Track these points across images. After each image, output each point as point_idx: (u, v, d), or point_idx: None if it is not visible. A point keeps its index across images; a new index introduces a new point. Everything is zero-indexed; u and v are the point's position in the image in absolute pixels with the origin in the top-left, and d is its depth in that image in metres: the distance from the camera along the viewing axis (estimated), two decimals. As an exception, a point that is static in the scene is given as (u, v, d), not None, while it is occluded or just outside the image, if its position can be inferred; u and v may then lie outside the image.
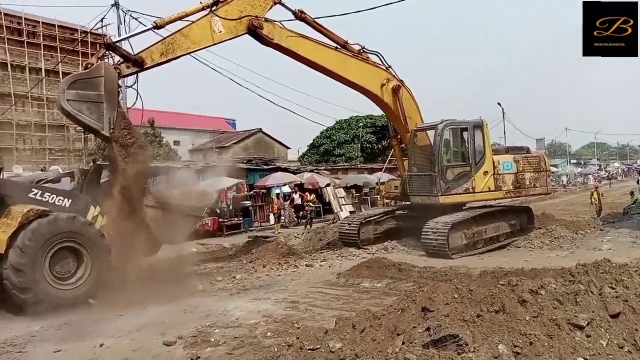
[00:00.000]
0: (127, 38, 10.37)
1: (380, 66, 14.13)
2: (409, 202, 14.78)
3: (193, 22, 10.91)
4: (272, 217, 23.57)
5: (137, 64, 10.11)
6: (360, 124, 45.31)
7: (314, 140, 48.83)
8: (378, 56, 14.18)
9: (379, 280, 9.59)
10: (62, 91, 9.32)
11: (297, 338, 5.02)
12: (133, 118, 12.71)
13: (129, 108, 16.93)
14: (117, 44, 10.42)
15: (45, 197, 9.13)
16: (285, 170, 29.71)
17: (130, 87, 15.70)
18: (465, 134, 13.75)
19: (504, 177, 13.89)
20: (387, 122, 35.59)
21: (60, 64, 35.58)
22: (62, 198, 9.32)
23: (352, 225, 14.37)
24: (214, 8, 11.11)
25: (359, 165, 38.35)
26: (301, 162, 44.64)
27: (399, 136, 15.16)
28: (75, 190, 10.17)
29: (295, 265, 12.00)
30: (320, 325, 5.81)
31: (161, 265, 13.07)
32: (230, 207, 23.21)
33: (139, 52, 10.21)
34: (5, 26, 36.79)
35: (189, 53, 11.07)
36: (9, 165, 30.07)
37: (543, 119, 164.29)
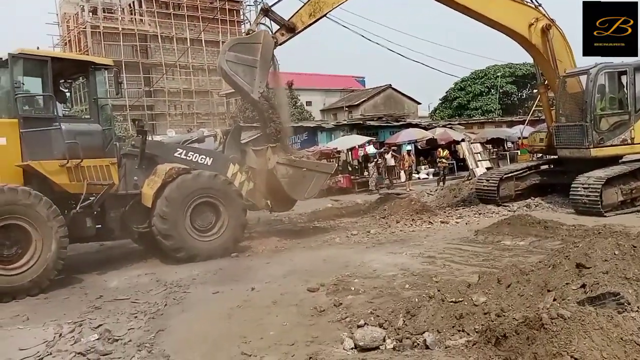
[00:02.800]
0: (277, 2, 10.68)
1: (529, 4, 12.86)
2: (556, 156, 13.65)
3: None
4: (402, 174, 23.41)
5: (290, 29, 10.57)
6: (499, 74, 42.36)
7: (446, 93, 46.91)
8: None
9: (521, 238, 9.07)
10: (224, 52, 10.09)
11: (439, 290, 5.00)
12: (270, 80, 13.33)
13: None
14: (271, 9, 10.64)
15: (189, 156, 9.87)
16: (417, 126, 29.13)
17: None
18: (623, 78, 12.19)
19: None
20: (529, 70, 32.82)
21: (202, 32, 38.13)
22: (204, 157, 10.02)
23: (491, 181, 13.68)
24: None
25: (496, 119, 36.15)
26: (432, 118, 43.36)
27: (546, 83, 13.89)
28: (217, 150, 10.90)
29: (430, 222, 11.82)
30: (462, 280, 5.71)
31: (300, 219, 13.88)
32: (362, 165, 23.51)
33: (289, 18, 10.59)
34: (154, 0, 40.20)
35: (334, 8, 11.14)
36: (164, 129, 33.52)
37: None
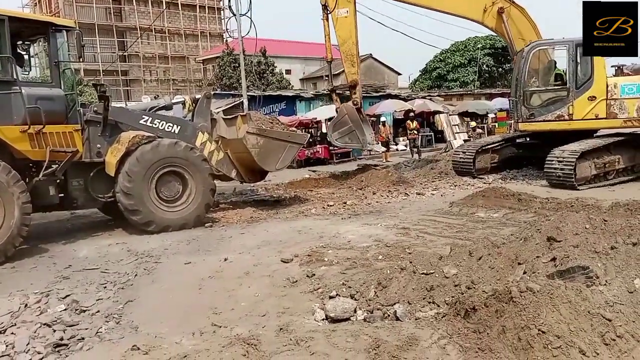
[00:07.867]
0: (332, 78, 14.87)
1: None
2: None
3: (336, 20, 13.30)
4: (380, 145, 23.32)
5: (353, 86, 13.56)
6: (479, 46, 42.28)
7: (426, 64, 46.74)
8: None
9: (495, 211, 9.13)
10: (330, 135, 13.89)
11: (410, 262, 5.00)
12: (247, 46, 13.06)
13: (243, 37, 17.36)
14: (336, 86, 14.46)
15: (155, 124, 9.56)
16: (396, 97, 29.03)
17: (244, 15, 16.06)
18: (564, 55, 12.46)
19: (623, 102, 12.14)
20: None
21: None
22: (171, 124, 9.73)
23: (467, 153, 13.77)
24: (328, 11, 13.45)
25: (475, 91, 36.25)
26: (412, 89, 43.25)
27: None
28: (185, 118, 10.61)
29: (406, 194, 11.85)
30: (434, 252, 5.71)
31: (277, 189, 13.78)
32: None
33: (347, 83, 13.76)
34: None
35: (357, 44, 13.32)
36: (139, 95, 32.70)
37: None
